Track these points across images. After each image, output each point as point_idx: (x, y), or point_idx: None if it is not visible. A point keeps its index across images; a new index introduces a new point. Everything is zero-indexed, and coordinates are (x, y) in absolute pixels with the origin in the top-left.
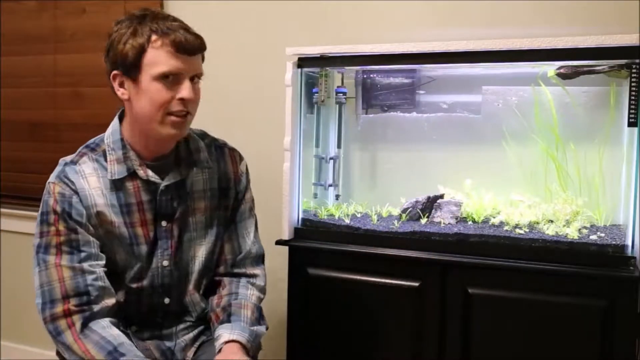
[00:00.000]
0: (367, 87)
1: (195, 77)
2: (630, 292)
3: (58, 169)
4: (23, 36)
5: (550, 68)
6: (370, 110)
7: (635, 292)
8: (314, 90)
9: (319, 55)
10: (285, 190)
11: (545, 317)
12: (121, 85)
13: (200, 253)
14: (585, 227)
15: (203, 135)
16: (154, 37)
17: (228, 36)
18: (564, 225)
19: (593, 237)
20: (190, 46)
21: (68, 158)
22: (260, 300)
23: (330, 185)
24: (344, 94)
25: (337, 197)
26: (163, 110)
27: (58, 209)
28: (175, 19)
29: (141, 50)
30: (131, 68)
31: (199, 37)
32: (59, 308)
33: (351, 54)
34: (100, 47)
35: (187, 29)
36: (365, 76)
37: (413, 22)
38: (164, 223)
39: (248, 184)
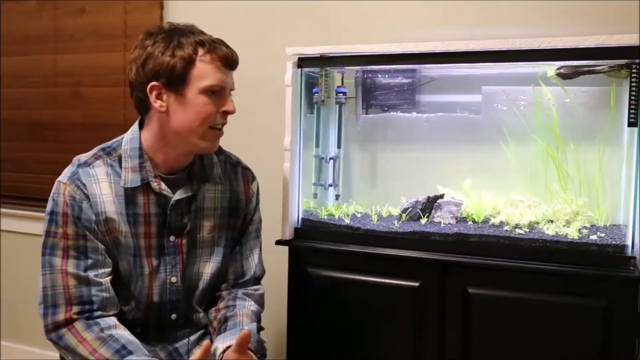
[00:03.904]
0: (367, 87)
1: (230, 91)
2: (630, 292)
3: (71, 169)
4: (23, 36)
5: (550, 68)
6: (370, 110)
7: (635, 292)
8: (314, 90)
9: (319, 55)
10: (285, 190)
11: (545, 317)
12: (158, 97)
13: (206, 271)
14: (585, 227)
15: (218, 149)
16: (201, 50)
17: (228, 36)
18: (564, 225)
19: (593, 237)
20: (233, 61)
21: (82, 158)
22: (258, 313)
23: (330, 185)
24: (344, 94)
25: (337, 197)
26: (207, 123)
27: (68, 211)
28: (209, 35)
29: (190, 62)
30: (176, 80)
31: (235, 52)
32: (61, 315)
33: (351, 54)
34: (101, 47)
35: (226, 44)
36: (365, 76)
37: (413, 22)
38: (172, 238)
39: (257, 205)
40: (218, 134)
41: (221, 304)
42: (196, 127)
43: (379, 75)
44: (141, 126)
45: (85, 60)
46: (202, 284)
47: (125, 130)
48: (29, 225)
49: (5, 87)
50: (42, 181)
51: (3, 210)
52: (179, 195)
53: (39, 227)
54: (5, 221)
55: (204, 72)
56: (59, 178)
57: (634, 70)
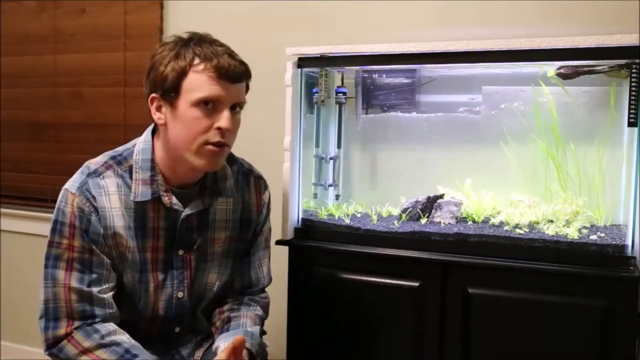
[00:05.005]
0: (367, 87)
1: (236, 106)
2: (630, 292)
3: (80, 177)
4: (23, 36)
5: (550, 68)
6: (370, 110)
7: (635, 292)
8: (314, 90)
9: (319, 55)
10: (285, 190)
11: (545, 317)
12: (158, 109)
13: (214, 283)
14: (585, 227)
15: (231, 159)
16: (196, 60)
17: (228, 36)
18: (564, 225)
19: (593, 237)
20: (232, 72)
21: (92, 166)
22: (263, 317)
23: (330, 185)
24: (344, 94)
25: (337, 197)
26: (199, 139)
27: (76, 223)
28: (221, 44)
29: (182, 74)
30: (169, 91)
31: (243, 64)
32: (62, 330)
33: (351, 54)
34: (101, 47)
35: (232, 54)
36: (365, 76)
37: (413, 22)
38: (180, 252)
39: (268, 214)
40: (215, 152)
41: (225, 307)
42: (188, 143)
43: (379, 75)
44: (154, 134)
45: (85, 60)
46: (208, 295)
47: (126, 131)
48: (29, 225)
49: (5, 87)
50: (42, 181)
51: (3, 210)
52: (189, 209)
53: (39, 227)
54: (5, 221)
55: (196, 83)
56: (67, 186)
57: (634, 70)
